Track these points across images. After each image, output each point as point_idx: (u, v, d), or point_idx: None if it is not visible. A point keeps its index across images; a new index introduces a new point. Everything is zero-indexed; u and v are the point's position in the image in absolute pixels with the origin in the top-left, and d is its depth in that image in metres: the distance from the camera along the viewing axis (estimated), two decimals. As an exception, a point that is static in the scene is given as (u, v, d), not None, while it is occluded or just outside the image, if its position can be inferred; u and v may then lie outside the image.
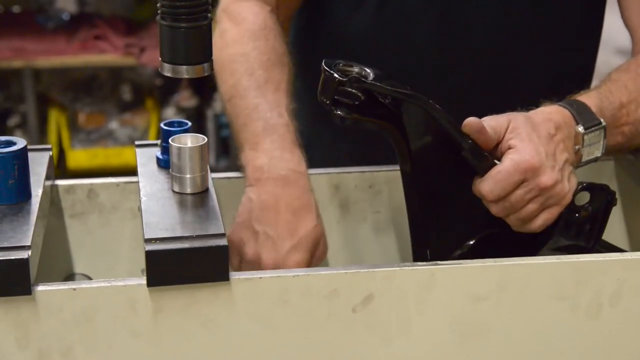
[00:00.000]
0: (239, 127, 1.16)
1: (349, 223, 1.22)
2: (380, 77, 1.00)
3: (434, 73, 1.28)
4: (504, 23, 1.27)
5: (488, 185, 1.00)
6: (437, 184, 1.05)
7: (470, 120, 1.01)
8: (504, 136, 1.02)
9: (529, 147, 1.00)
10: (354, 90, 0.99)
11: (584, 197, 1.08)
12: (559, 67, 1.31)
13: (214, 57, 1.23)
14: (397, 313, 0.96)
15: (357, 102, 0.99)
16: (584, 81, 1.29)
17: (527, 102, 1.14)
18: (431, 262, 0.96)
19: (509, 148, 1.01)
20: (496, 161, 1.02)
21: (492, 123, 1.02)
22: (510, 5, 1.26)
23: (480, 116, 1.08)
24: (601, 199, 1.08)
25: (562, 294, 0.97)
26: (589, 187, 1.08)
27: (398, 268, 0.95)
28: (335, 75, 0.99)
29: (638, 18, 1.26)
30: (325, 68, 1.00)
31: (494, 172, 1.01)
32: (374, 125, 1.02)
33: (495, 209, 1.02)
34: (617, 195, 1.24)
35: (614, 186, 1.25)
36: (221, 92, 1.23)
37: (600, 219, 1.09)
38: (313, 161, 1.26)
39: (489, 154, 1.02)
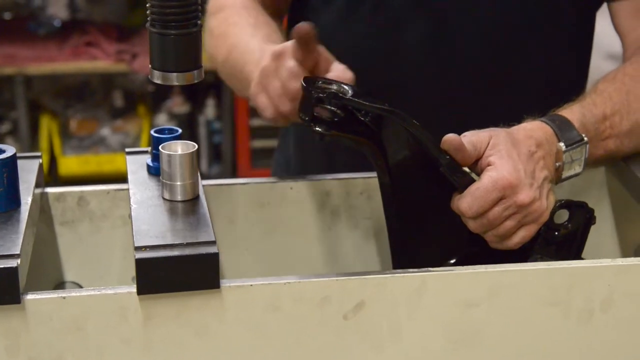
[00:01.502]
0: (241, 67, 1.17)
1: (340, 230, 1.22)
2: (359, 94, 1.01)
3: (425, 81, 1.28)
4: (496, 31, 1.27)
5: (466, 201, 1.01)
6: (416, 200, 1.05)
7: (449, 137, 1.01)
8: (484, 152, 1.03)
9: (507, 164, 1.01)
10: (332, 108, 0.99)
11: (563, 215, 1.08)
12: (551, 72, 1.31)
13: (208, 52, 1.26)
14: (389, 320, 0.95)
15: (336, 119, 1.00)
16: (577, 88, 1.28)
17: (520, 110, 1.14)
18: (422, 269, 0.96)
19: (488, 165, 1.02)
20: (473, 175, 1.02)
21: (472, 139, 1.03)
22: (502, 14, 1.26)
23: (473, 123, 1.08)
24: (580, 217, 1.09)
25: (553, 299, 0.97)
26: (568, 204, 1.08)
27: (389, 275, 0.95)
28: (314, 92, 1.00)
29: (628, 24, 1.27)
30: (304, 85, 1.01)
31: (472, 188, 1.01)
32: (353, 141, 1.02)
33: (473, 225, 1.03)
34: (608, 202, 1.25)
35: (605, 193, 1.25)
36: (220, 69, 1.26)
37: (579, 237, 1.09)
38: (308, 173, 1.26)
39: (468, 170, 1.02)
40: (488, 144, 1.02)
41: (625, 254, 1.25)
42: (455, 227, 1.04)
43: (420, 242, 1.05)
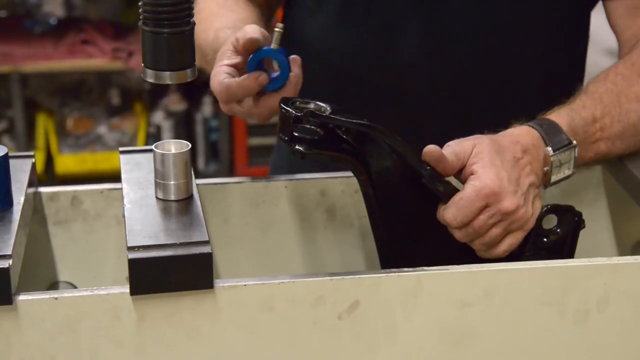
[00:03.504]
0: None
1: (335, 228, 1.22)
2: (337, 112, 1.01)
3: (420, 83, 1.27)
4: (491, 31, 1.25)
5: (451, 212, 1.01)
6: (402, 214, 1.05)
7: (429, 148, 1.01)
8: (467, 161, 1.02)
9: (490, 172, 1.01)
10: (311, 126, 0.99)
11: (552, 221, 1.08)
12: (547, 72, 1.30)
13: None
14: (384, 320, 0.95)
15: (316, 137, 1.00)
16: (575, 84, 1.28)
17: (516, 109, 1.13)
18: (417, 268, 0.95)
19: (471, 174, 1.02)
20: (458, 185, 1.02)
21: (455, 149, 1.03)
22: (497, 14, 1.25)
23: (469, 124, 1.08)
24: (569, 221, 1.08)
25: (549, 299, 0.97)
26: (555, 209, 1.08)
27: (384, 274, 0.94)
28: (292, 111, 1.00)
29: (623, 22, 1.26)
30: (282, 105, 1.01)
31: (456, 199, 1.01)
32: (335, 159, 1.02)
33: (459, 235, 1.03)
34: (605, 200, 1.24)
35: (601, 191, 1.25)
36: (202, 64, 1.25)
37: (569, 241, 1.09)
38: (300, 170, 1.25)
39: (451, 179, 1.02)
40: (471, 152, 1.02)
41: (622, 253, 1.24)
42: (443, 239, 1.04)
43: (409, 255, 1.05)
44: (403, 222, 1.06)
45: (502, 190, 1.00)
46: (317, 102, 1.02)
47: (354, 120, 1.00)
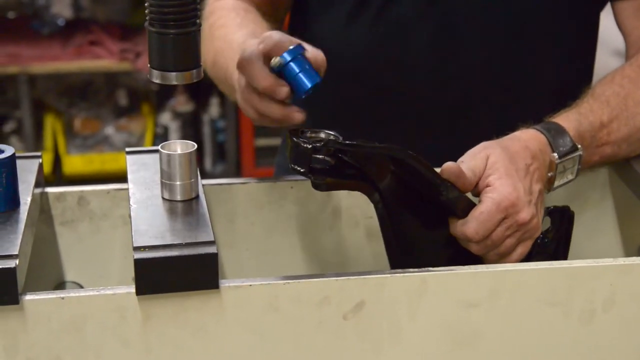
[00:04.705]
0: (225, 69, 1.16)
1: (341, 229, 1.22)
2: (346, 139, 1.00)
3: (431, 87, 1.27)
4: (502, 35, 1.25)
5: (472, 227, 1.00)
6: (414, 230, 1.05)
7: (449, 166, 1.01)
8: (482, 173, 1.02)
9: (507, 183, 1.01)
10: (324, 156, 0.98)
11: (546, 222, 1.08)
12: (557, 74, 1.30)
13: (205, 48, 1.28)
14: (389, 320, 0.95)
15: (327, 167, 0.99)
16: (584, 86, 1.28)
17: (527, 112, 1.13)
18: (422, 269, 0.96)
19: (487, 186, 1.01)
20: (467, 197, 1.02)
21: (470, 164, 1.02)
22: (508, 18, 1.25)
23: (480, 128, 1.07)
24: (562, 222, 1.09)
25: (554, 299, 0.97)
26: (550, 212, 1.09)
27: (389, 275, 0.95)
28: (309, 143, 0.99)
29: (631, 23, 1.26)
30: (294, 138, 1.00)
31: (476, 213, 1.01)
32: (349, 185, 1.02)
33: (476, 248, 1.03)
34: (611, 201, 1.24)
35: (607, 191, 1.25)
36: (210, 73, 1.24)
37: (563, 240, 1.10)
38: None
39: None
40: (486, 164, 1.02)
41: (628, 254, 1.24)
42: (451, 252, 1.04)
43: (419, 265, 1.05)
44: (413, 238, 1.05)
45: (519, 202, 1.00)
46: (326, 131, 1.02)
47: (375, 145, 1.00)
